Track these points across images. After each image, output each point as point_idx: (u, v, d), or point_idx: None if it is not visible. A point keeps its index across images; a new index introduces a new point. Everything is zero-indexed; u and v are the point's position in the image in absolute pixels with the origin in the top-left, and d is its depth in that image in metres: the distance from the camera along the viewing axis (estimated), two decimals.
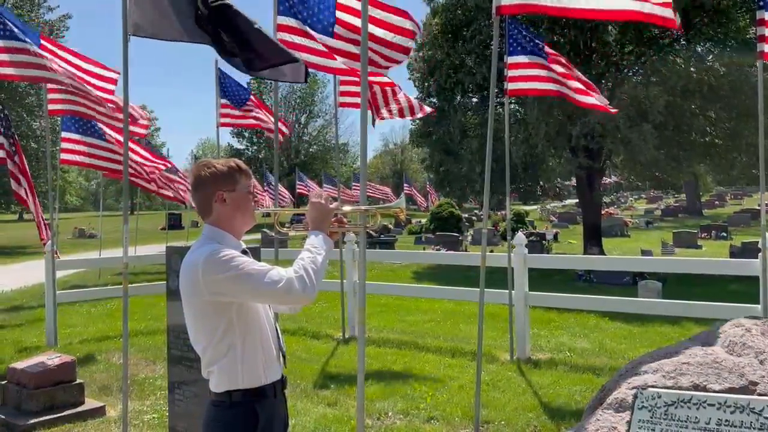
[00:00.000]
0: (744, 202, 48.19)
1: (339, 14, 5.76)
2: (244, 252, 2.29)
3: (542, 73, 7.09)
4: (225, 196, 2.30)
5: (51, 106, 9.13)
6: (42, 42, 7.51)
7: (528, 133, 14.30)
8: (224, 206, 2.30)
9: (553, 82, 7.10)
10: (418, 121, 17.39)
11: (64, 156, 11.46)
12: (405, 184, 36.68)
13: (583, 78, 7.18)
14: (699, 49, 14.71)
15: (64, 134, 11.32)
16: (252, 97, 10.61)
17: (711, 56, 14.57)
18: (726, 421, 2.75)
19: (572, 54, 13.26)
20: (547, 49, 7.20)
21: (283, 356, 2.42)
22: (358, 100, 7.69)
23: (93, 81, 7.96)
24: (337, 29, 5.80)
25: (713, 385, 2.92)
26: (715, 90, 13.49)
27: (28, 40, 7.24)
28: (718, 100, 13.85)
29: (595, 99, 7.03)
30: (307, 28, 5.78)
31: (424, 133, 17.16)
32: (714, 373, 2.97)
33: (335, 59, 5.93)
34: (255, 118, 10.51)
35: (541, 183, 17.79)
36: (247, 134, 52.22)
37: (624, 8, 4.94)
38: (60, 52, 7.76)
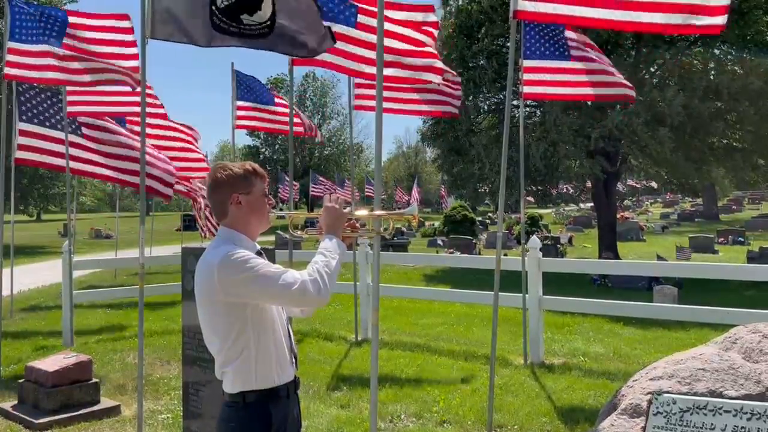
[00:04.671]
0: (762, 207, 47.58)
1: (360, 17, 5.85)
2: (258, 253, 2.32)
3: (560, 77, 7.06)
4: (241, 198, 2.33)
5: (70, 108, 9.24)
6: (69, 20, 7.54)
7: (545, 131, 14.23)
8: (240, 208, 2.33)
9: (572, 86, 7.07)
10: (429, 122, 17.34)
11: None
12: (417, 188, 36.68)
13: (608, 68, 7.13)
14: (717, 52, 14.57)
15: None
16: (277, 99, 10.60)
17: (729, 59, 14.42)
18: (742, 428, 2.73)
19: None
20: (570, 41, 7.11)
21: (295, 358, 2.44)
22: (373, 103, 7.73)
23: (114, 51, 7.78)
24: (360, 18, 5.88)
25: (729, 392, 2.89)
26: (736, 92, 13.36)
27: (57, 32, 7.29)
28: (739, 102, 13.70)
29: (616, 90, 7.02)
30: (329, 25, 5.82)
31: (435, 133, 17.11)
32: (730, 379, 2.94)
33: (352, 60, 5.96)
34: (275, 122, 10.52)
35: (558, 186, 17.69)
36: (262, 135, 52.49)
37: (645, 21, 4.93)
38: (85, 21, 7.69)
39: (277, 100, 10.60)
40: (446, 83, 8.30)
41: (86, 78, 7.52)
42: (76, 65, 7.43)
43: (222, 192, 2.33)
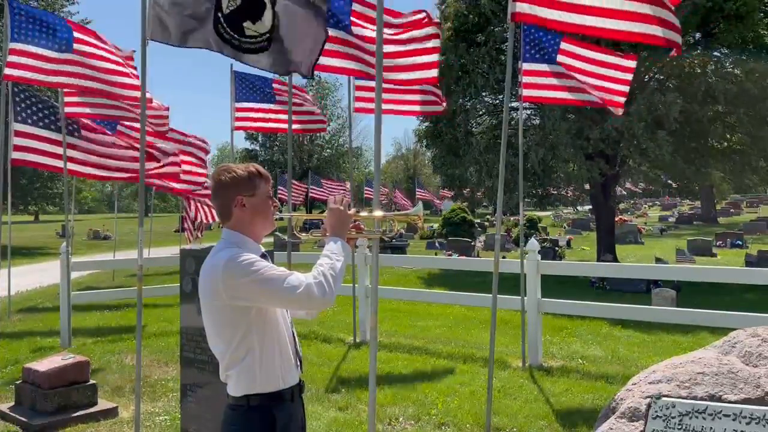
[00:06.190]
0: (760, 210, 47.64)
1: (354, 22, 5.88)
2: (263, 256, 2.31)
3: (557, 81, 7.08)
4: (245, 200, 2.32)
5: (68, 109, 9.24)
6: (75, 35, 7.59)
7: (544, 135, 14.25)
8: (244, 211, 2.32)
9: (568, 91, 7.09)
10: (427, 123, 17.30)
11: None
12: (418, 189, 36.65)
13: (608, 61, 7.12)
14: (716, 54, 14.60)
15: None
16: (277, 85, 10.56)
17: (729, 62, 14.46)
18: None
19: None
20: (562, 45, 7.14)
21: (300, 361, 2.43)
22: (373, 105, 7.74)
23: (118, 68, 7.90)
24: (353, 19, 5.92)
25: (729, 396, 2.89)
26: (736, 95, 13.38)
27: (57, 37, 7.34)
28: (740, 104, 13.72)
29: (608, 95, 7.05)
30: (331, 32, 5.84)
31: (434, 133, 17.08)
32: (729, 383, 2.94)
33: (350, 60, 5.99)
34: (274, 121, 10.52)
35: (555, 189, 17.71)
36: (261, 138, 52.44)
37: (635, 31, 5.03)
38: (88, 39, 7.78)
39: (278, 97, 10.55)
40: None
41: (87, 84, 7.53)
42: (78, 70, 7.45)
43: (226, 194, 2.32)
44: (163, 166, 10.27)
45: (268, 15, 4.24)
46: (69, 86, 7.87)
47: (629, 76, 7.10)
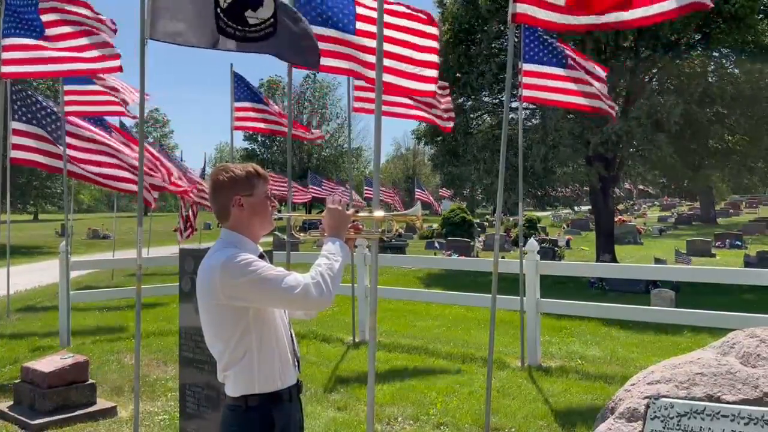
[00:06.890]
0: (759, 211, 47.62)
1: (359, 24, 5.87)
2: (261, 256, 2.31)
3: (557, 84, 7.11)
4: (243, 200, 2.32)
5: (67, 108, 9.24)
6: (42, 18, 7.40)
7: (545, 134, 14.26)
8: (242, 211, 2.32)
9: (567, 94, 7.13)
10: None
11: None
12: (417, 189, 36.57)
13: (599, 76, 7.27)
14: (716, 55, 14.63)
15: None
16: (267, 103, 10.67)
17: (729, 63, 14.48)
18: None
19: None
20: (567, 51, 7.20)
21: (298, 361, 2.43)
22: (372, 106, 7.73)
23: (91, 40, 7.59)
24: (359, 25, 5.89)
25: (727, 396, 2.90)
26: (734, 96, 13.40)
27: (36, 23, 7.25)
28: (737, 106, 13.74)
29: (605, 104, 7.14)
30: (325, 31, 5.83)
31: (433, 133, 17.05)
32: (728, 384, 2.94)
33: (352, 61, 5.97)
34: (272, 123, 10.56)
35: (554, 190, 17.72)
36: (260, 138, 52.43)
37: (639, 16, 5.00)
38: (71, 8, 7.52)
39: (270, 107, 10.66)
40: (440, 97, 8.34)
41: (68, 67, 7.38)
42: (56, 54, 7.32)
43: (224, 194, 2.32)
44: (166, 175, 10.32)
45: (268, 2, 4.24)
46: (56, 74, 7.78)
47: (605, 88, 7.32)
